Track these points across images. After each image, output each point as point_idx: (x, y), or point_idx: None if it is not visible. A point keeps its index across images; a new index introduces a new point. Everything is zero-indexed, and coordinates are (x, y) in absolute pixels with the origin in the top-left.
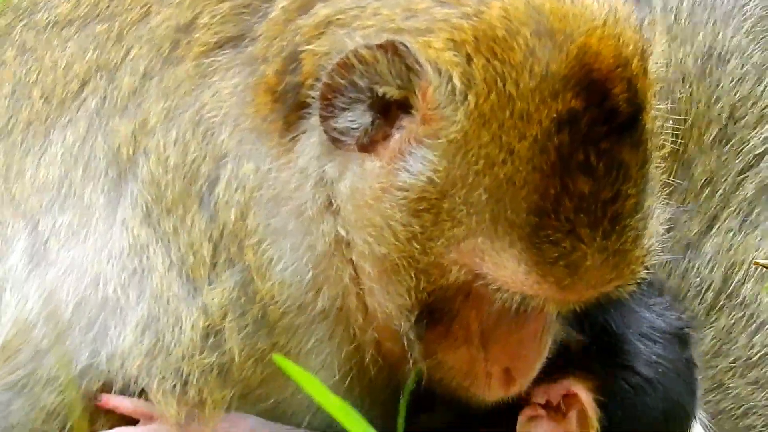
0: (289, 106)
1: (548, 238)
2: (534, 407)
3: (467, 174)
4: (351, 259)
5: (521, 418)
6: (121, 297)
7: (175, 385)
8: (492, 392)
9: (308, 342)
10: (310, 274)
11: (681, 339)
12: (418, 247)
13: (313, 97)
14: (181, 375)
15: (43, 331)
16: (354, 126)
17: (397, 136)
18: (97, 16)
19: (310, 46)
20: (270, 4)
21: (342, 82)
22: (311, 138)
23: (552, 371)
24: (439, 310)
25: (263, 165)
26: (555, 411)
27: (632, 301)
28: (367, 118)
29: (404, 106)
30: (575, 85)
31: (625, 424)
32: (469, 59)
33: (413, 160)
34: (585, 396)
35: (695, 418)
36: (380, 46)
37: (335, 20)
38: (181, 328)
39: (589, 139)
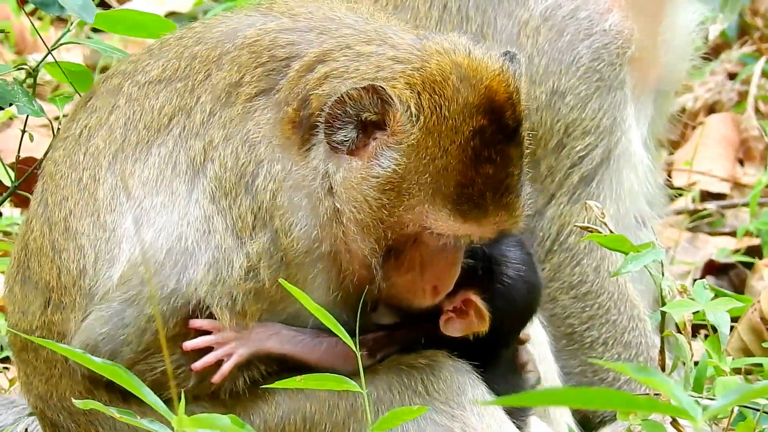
0: (304, 129)
1: (467, 200)
2: (447, 312)
3: (419, 165)
4: (342, 222)
5: (441, 321)
6: (195, 248)
7: (227, 303)
8: (425, 301)
9: (311, 273)
10: (316, 232)
11: (520, 244)
12: (385, 212)
13: (319, 122)
14: (232, 296)
15: (146, 267)
16: (346, 139)
17: (372, 144)
18: (177, 77)
19: (316, 91)
20: (288, 68)
21: (338, 111)
22: (320, 148)
23: (455, 288)
24: (396, 250)
25: (287, 166)
26: (460, 312)
27: (501, 243)
28: (353, 134)
29: (379, 125)
30: (483, 110)
31: (505, 311)
32: (419, 95)
33: (383, 159)
34: (476, 298)
35: (540, 307)
36: (364, 88)
37: (330, 74)
38: (232, 266)
39: (491, 142)
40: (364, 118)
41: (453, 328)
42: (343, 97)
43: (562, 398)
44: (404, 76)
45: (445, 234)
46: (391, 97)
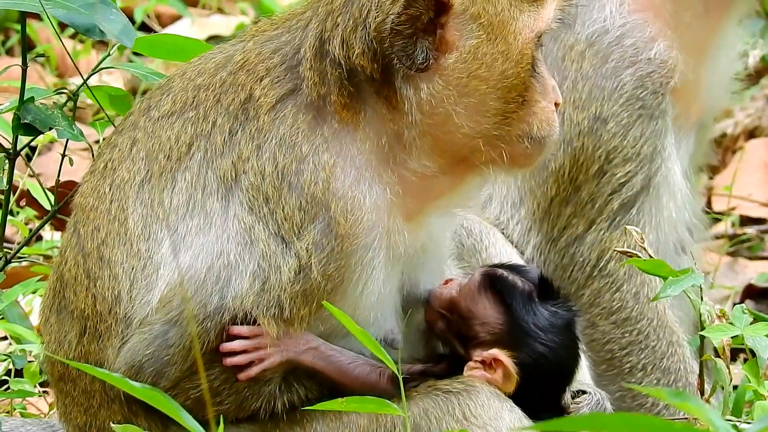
0: (374, 88)
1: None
2: (474, 362)
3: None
4: (424, 143)
5: (466, 368)
6: (238, 260)
7: (274, 312)
8: (556, 121)
9: (370, 254)
10: (381, 204)
11: (569, 325)
12: (506, 64)
13: (391, 66)
14: (280, 303)
15: (186, 286)
16: (424, 53)
17: (447, 33)
18: (188, 107)
19: (354, 56)
20: (296, 71)
21: (401, 42)
22: (408, 85)
23: (487, 343)
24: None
25: (336, 151)
26: (488, 367)
27: (537, 302)
28: (426, 42)
29: (439, 14)
30: None
31: (534, 378)
32: None
33: (467, 29)
34: (505, 359)
35: (576, 374)
36: (403, 5)
37: (347, 34)
38: (280, 272)
39: None
40: (426, 23)
41: (476, 379)
42: (393, 28)
43: (600, 424)
44: None
45: (550, 21)
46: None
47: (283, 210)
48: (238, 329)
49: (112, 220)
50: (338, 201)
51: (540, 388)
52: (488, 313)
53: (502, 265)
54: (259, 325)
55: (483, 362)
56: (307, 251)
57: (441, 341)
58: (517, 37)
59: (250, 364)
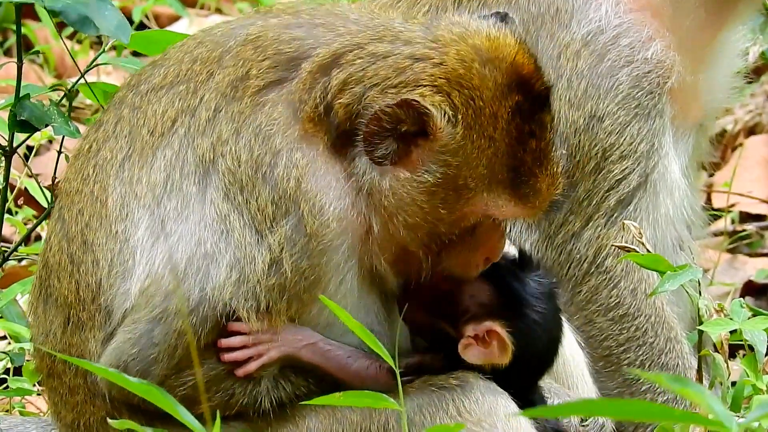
0: (333, 134)
1: (521, 179)
2: (468, 339)
3: (469, 160)
4: (390, 221)
5: (460, 346)
6: (215, 250)
7: (252, 304)
8: (475, 273)
9: (341, 257)
10: (353, 214)
11: (552, 294)
12: (444, 212)
13: (351, 133)
14: (256, 295)
15: (168, 280)
16: (387, 152)
17: (416, 152)
18: (179, 81)
19: (339, 100)
20: (297, 67)
21: (374, 128)
22: (361, 159)
23: (479, 317)
24: (449, 238)
25: (310, 155)
26: (482, 341)
27: (521, 275)
28: (394, 146)
29: (418, 133)
30: (514, 87)
31: (527, 348)
32: (449, 94)
33: (432, 164)
34: (501, 330)
35: (561, 343)
36: (397, 104)
37: (349, 80)
38: (255, 263)
39: (529, 116)
40: (403, 131)
41: (472, 355)
42: (377, 114)
43: (598, 409)
44: (428, 77)
45: (506, 217)
46: (426, 107)
47: (256, 201)
48: (237, 325)
49: (94, 201)
50: (308, 201)
51: (531, 361)
52: (476, 285)
53: None
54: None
55: (476, 337)
56: (279, 245)
57: (428, 338)
58: (467, 203)
59: (248, 360)
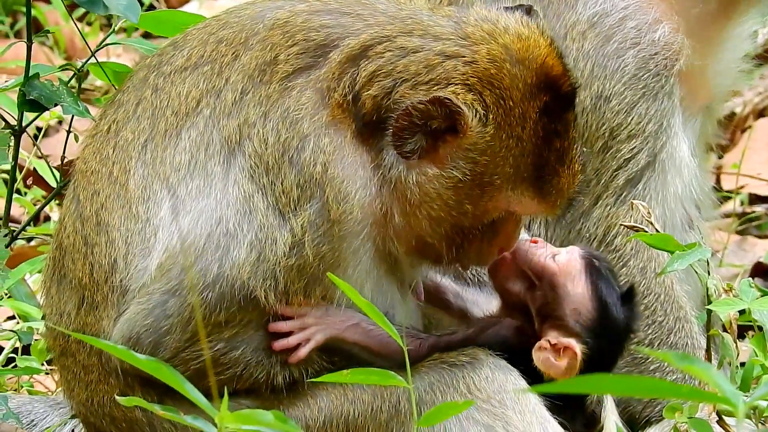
0: (359, 123)
1: (545, 178)
2: (546, 341)
3: (496, 159)
4: (413, 214)
5: (535, 349)
6: (237, 229)
7: (270, 284)
8: (490, 261)
9: (360, 243)
10: (377, 201)
11: (630, 332)
12: (469, 207)
13: (382, 126)
14: (274, 276)
15: (186, 256)
16: (415, 147)
17: (444, 148)
18: (203, 62)
19: (367, 92)
20: (326, 55)
21: (404, 123)
22: (388, 151)
23: (568, 329)
24: (473, 231)
25: (337, 141)
26: (555, 351)
27: (623, 309)
28: (423, 141)
29: (448, 130)
30: (543, 87)
31: (584, 371)
32: (481, 94)
33: (461, 161)
34: (579, 353)
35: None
36: (429, 101)
37: (378, 73)
38: (276, 244)
39: (556, 116)
40: (433, 127)
41: (541, 358)
42: (408, 109)
43: (605, 386)
44: (460, 75)
45: (527, 213)
46: (458, 106)
47: (282, 183)
48: (283, 309)
49: (113, 182)
50: (334, 187)
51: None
52: (584, 302)
53: (598, 256)
54: (301, 304)
55: (554, 345)
56: (302, 228)
57: (507, 305)
58: (492, 200)
59: (297, 345)
